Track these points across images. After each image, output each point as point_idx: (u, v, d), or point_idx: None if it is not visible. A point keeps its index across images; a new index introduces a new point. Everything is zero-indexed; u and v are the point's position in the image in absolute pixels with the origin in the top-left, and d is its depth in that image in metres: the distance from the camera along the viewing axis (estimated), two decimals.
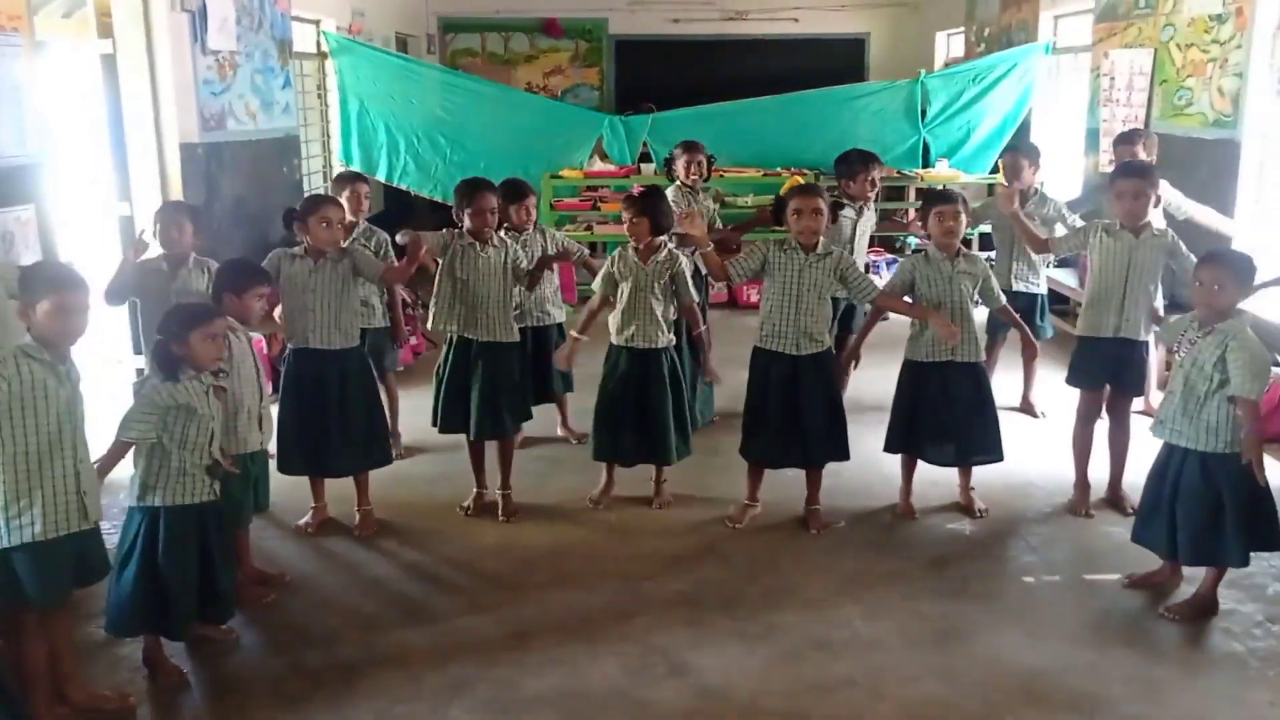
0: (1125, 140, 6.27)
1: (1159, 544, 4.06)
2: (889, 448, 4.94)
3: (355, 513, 4.75)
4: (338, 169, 9.84)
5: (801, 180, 6.74)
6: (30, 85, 4.93)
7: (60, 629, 3.34)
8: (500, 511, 4.89)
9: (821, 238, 4.65)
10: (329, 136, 9.81)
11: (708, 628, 3.92)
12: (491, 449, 4.97)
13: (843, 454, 4.79)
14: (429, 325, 4.95)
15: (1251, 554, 3.89)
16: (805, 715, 3.38)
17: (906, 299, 4.82)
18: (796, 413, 4.63)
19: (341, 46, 9.47)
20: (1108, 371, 4.86)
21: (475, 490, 5.00)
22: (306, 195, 6.36)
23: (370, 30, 10.57)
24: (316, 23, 9.36)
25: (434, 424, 4.96)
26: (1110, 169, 5.94)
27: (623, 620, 3.98)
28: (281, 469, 4.64)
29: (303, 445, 4.60)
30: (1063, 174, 9.22)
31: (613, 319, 4.87)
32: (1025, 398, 6.36)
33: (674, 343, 4.93)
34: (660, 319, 4.79)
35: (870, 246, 8.64)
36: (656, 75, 13.17)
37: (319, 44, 9.42)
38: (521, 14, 13.50)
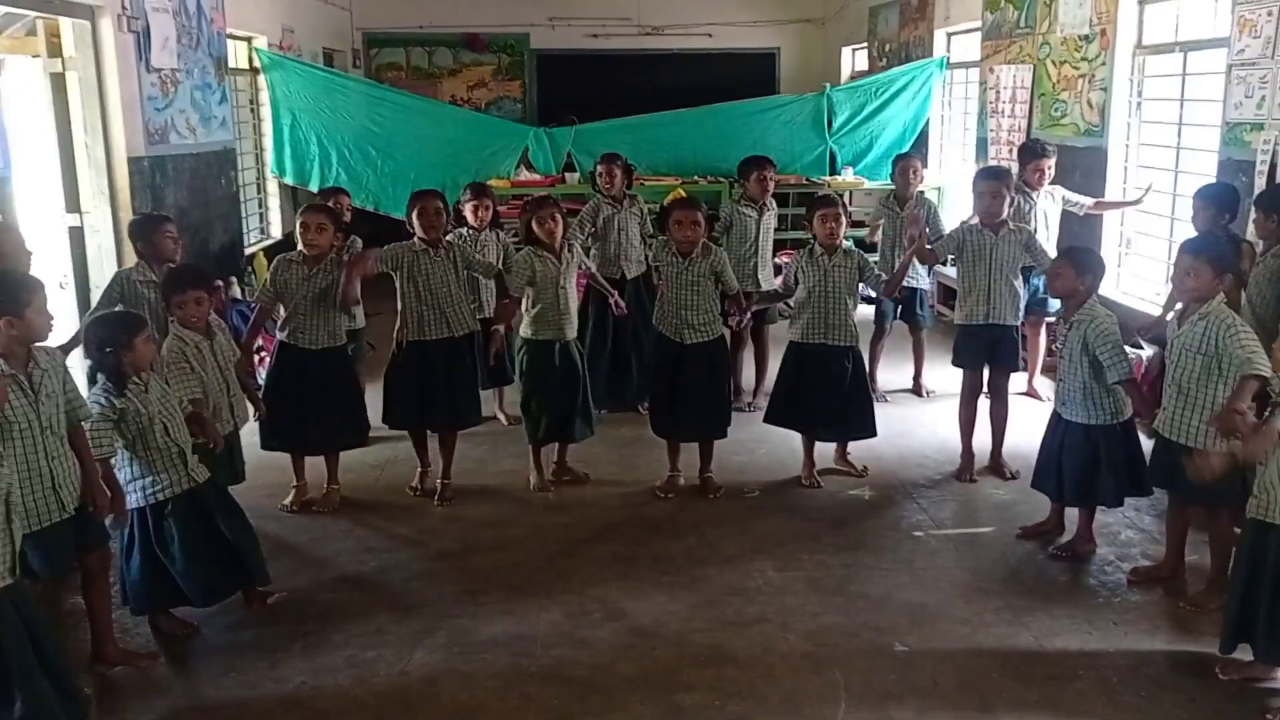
0: (1033, 155, 6.53)
1: (1051, 491, 4.74)
2: (768, 418, 5.54)
3: (324, 487, 5.23)
4: (270, 181, 10.20)
5: (684, 194, 7.30)
6: None
7: (97, 595, 3.72)
8: (437, 497, 5.32)
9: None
10: (261, 149, 10.13)
11: (639, 581, 4.44)
12: (434, 439, 5.42)
13: (723, 429, 5.37)
14: (400, 334, 5.29)
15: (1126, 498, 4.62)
16: (723, 647, 3.91)
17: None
18: (686, 390, 5.21)
19: (273, 62, 9.83)
20: (984, 353, 5.49)
21: (420, 470, 5.44)
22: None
23: (299, 46, 10.89)
24: (249, 40, 9.68)
25: (384, 420, 5.39)
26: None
27: (563, 577, 4.48)
28: (264, 445, 5.08)
29: (284, 425, 5.03)
30: (956, 180, 9.93)
31: (533, 318, 5.25)
32: (916, 380, 6.98)
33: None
34: (575, 311, 5.30)
35: (783, 249, 9.31)
36: (577, 88, 13.65)
37: (251, 60, 9.75)
38: (444, 29, 13.89)
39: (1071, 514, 4.74)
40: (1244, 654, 3.63)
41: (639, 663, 3.81)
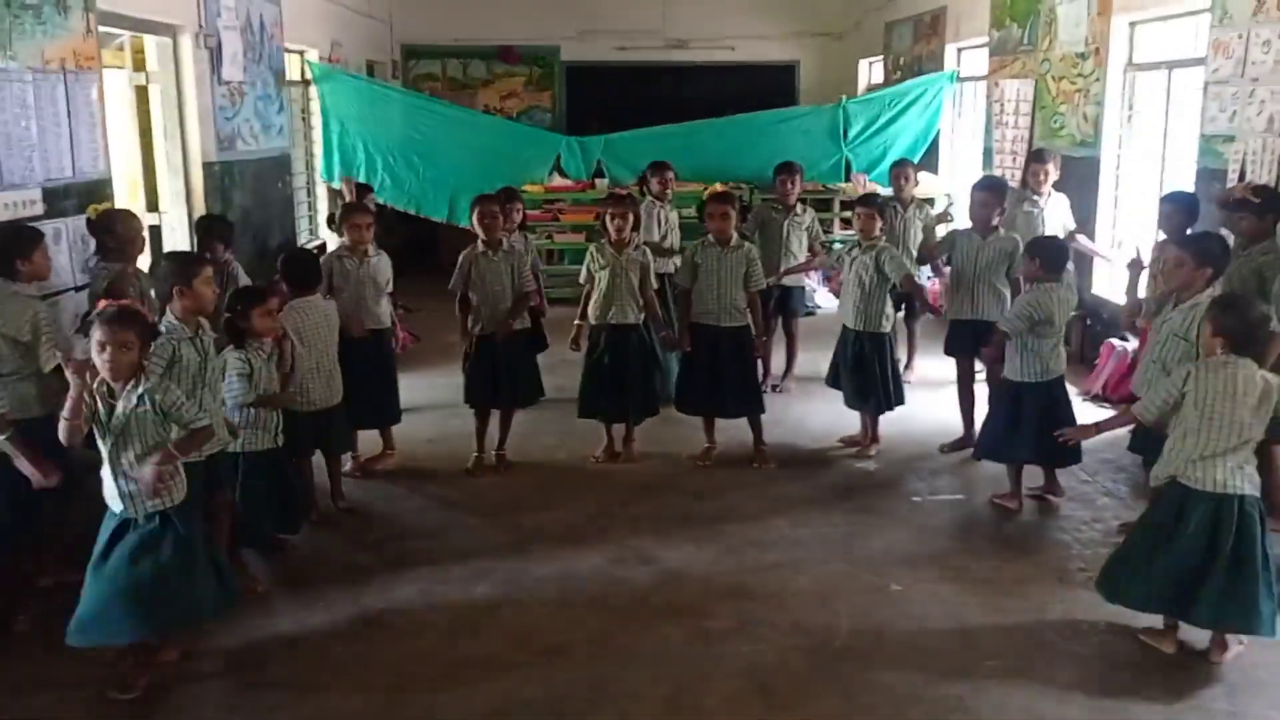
0: (1037, 159, 7.23)
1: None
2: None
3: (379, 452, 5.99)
4: (319, 185, 10.89)
5: (719, 188, 7.85)
6: (100, 114, 5.94)
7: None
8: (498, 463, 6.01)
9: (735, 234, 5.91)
10: (311, 155, 10.80)
11: (669, 535, 5.07)
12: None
13: (759, 408, 5.99)
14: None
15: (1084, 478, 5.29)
16: (743, 585, 4.54)
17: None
18: (723, 372, 5.84)
19: (324, 74, 10.51)
20: (971, 344, 6.04)
21: (476, 455, 6.01)
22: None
23: (345, 58, 11.58)
24: (301, 53, 10.36)
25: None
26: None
27: (602, 530, 5.12)
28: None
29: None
30: (964, 187, 10.49)
31: (593, 305, 5.90)
32: (906, 366, 7.50)
33: (643, 319, 5.96)
34: (634, 300, 5.87)
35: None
36: (605, 98, 14.30)
37: (303, 72, 10.43)
38: (479, 41, 14.58)
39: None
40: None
41: (670, 596, 4.44)
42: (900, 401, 6.12)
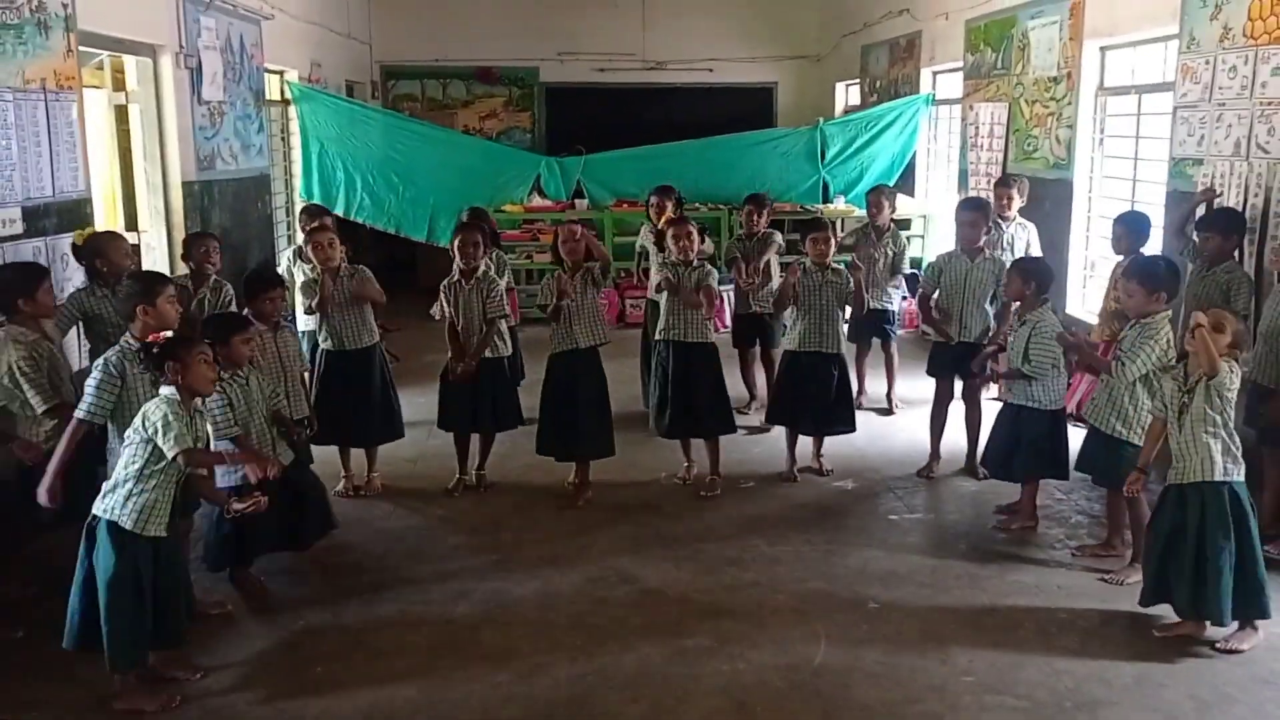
0: (1003, 184, 7.46)
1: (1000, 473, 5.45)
2: (769, 419, 6.24)
3: (365, 477, 5.92)
4: (298, 205, 10.89)
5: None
6: (80, 133, 5.94)
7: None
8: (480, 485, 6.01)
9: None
10: (291, 175, 10.81)
11: (647, 554, 5.10)
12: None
13: (730, 427, 5.99)
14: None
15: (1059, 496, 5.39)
16: (722, 604, 4.57)
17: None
18: (696, 391, 5.83)
19: (303, 94, 10.53)
20: (953, 366, 6.11)
21: (458, 477, 6.00)
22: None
23: (325, 78, 11.61)
24: (281, 73, 10.39)
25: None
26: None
27: (582, 550, 5.14)
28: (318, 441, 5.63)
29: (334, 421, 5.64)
30: (940, 208, 10.62)
31: (553, 336, 5.79)
32: (888, 395, 7.59)
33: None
34: (592, 323, 5.78)
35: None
36: (584, 119, 14.36)
37: (283, 92, 10.45)
38: (458, 62, 14.65)
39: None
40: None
41: (649, 616, 4.46)
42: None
